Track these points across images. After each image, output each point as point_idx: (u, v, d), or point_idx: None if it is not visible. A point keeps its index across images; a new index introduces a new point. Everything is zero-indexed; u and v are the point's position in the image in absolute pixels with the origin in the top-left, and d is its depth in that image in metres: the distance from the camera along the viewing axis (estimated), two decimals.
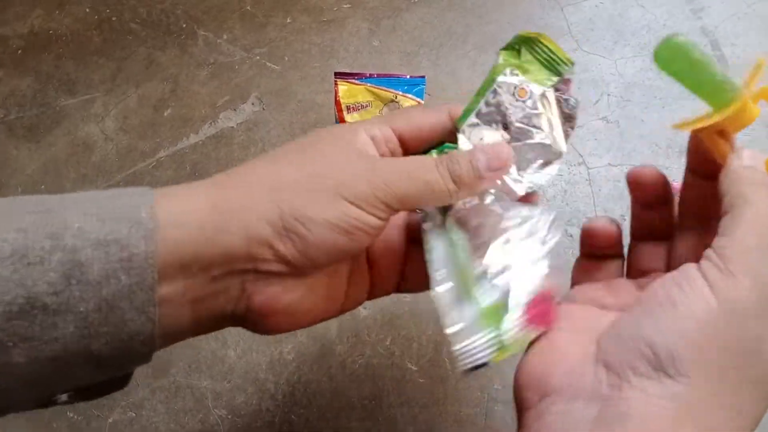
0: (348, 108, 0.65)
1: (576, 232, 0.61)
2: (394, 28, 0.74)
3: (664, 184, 0.36)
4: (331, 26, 0.75)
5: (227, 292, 0.31)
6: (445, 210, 0.37)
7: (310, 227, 0.31)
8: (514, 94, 0.37)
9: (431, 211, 0.37)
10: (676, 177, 0.63)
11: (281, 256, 0.31)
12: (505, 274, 0.31)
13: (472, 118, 0.37)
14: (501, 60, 0.38)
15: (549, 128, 0.38)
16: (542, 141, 0.37)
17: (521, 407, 0.29)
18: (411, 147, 0.38)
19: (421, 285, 0.38)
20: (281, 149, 0.35)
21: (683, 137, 0.64)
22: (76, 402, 0.32)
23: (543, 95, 0.38)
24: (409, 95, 0.64)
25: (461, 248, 0.34)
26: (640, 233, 0.36)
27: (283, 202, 0.31)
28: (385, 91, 0.65)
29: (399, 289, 0.41)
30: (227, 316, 0.32)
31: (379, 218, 0.33)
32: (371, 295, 0.40)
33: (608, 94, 0.67)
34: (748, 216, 0.27)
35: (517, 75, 0.38)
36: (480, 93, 0.38)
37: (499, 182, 0.37)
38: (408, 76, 0.66)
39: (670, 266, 0.34)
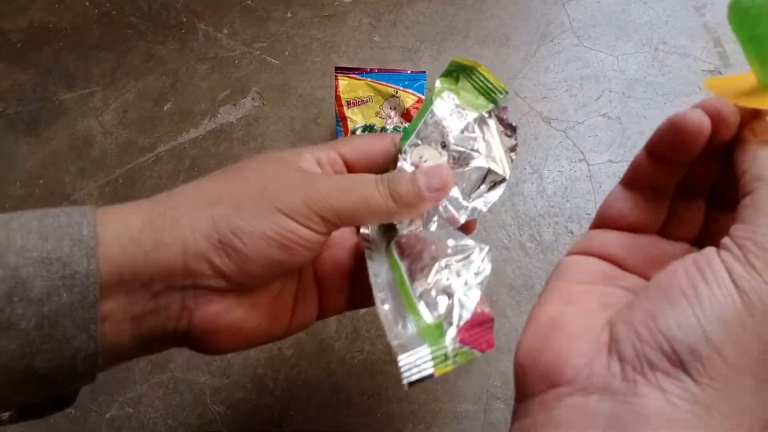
0: (348, 103, 0.65)
1: (576, 229, 0.61)
2: (395, 23, 0.74)
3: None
4: (332, 21, 0.75)
5: (168, 309, 0.31)
6: (388, 236, 0.38)
7: (245, 240, 0.31)
8: (452, 115, 0.39)
9: (374, 237, 0.38)
10: None
11: (219, 270, 0.31)
12: (445, 296, 0.32)
13: (413, 138, 0.39)
14: (439, 85, 0.40)
15: (489, 152, 0.39)
16: (482, 165, 0.39)
17: (524, 392, 0.27)
18: (353, 171, 0.39)
19: (372, 303, 0.37)
20: (222, 169, 0.35)
21: None
22: (19, 421, 0.31)
23: (480, 119, 0.39)
24: (410, 90, 0.64)
25: (403, 271, 0.34)
26: (682, 188, 0.32)
27: (218, 215, 0.31)
28: (386, 86, 0.64)
29: (350, 308, 0.41)
30: (170, 334, 0.32)
31: (316, 232, 0.33)
32: (321, 315, 0.40)
33: (610, 91, 0.67)
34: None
35: (454, 99, 0.40)
36: (420, 115, 0.39)
37: (441, 209, 0.38)
38: (409, 71, 0.65)
39: (702, 239, 0.32)
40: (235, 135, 0.70)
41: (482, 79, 0.40)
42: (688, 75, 0.67)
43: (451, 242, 0.35)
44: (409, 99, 0.64)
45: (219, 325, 0.32)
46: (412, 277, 0.34)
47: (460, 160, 0.39)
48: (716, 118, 0.28)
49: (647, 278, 0.30)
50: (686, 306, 0.23)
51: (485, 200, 0.39)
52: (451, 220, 0.38)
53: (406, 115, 0.64)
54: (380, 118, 0.64)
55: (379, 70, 0.65)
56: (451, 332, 0.30)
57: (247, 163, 0.35)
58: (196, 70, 0.74)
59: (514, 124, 0.39)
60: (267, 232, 0.31)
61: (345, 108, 0.65)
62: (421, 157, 0.38)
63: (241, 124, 0.70)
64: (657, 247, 0.31)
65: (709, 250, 0.25)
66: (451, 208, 0.38)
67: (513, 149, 0.39)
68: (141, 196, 0.66)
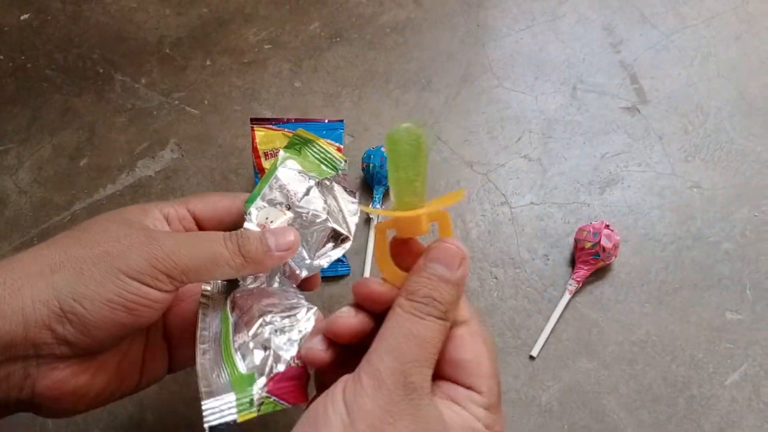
0: (266, 154, 0.63)
1: (501, 274, 0.60)
2: (316, 68, 0.73)
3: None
4: (252, 67, 0.74)
5: (9, 379, 0.30)
6: (229, 291, 0.39)
7: (87, 306, 0.30)
8: (295, 180, 0.42)
9: (214, 292, 0.39)
10: (597, 214, 0.62)
11: (62, 338, 0.30)
12: (262, 349, 0.33)
13: (259, 201, 0.41)
14: (282, 154, 0.44)
15: (332, 213, 0.42)
16: (325, 225, 0.41)
17: None
18: (203, 228, 0.39)
19: None
20: (65, 232, 0.34)
21: (605, 174, 0.65)
22: None
23: (323, 184, 0.43)
24: (328, 140, 0.63)
25: (230, 324, 0.36)
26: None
27: (59, 283, 0.30)
28: None
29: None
30: (12, 403, 0.31)
31: (162, 291, 0.32)
32: (172, 369, 0.40)
33: (530, 132, 0.67)
34: (386, 335, 0.29)
35: (297, 166, 0.43)
36: (264, 180, 0.42)
37: (284, 266, 0.40)
38: (326, 120, 0.64)
39: None
40: (154, 189, 0.68)
41: (322, 150, 0.44)
42: (606, 113, 0.67)
43: (282, 299, 0.37)
44: (329, 149, 0.63)
45: (63, 391, 0.31)
46: (236, 330, 0.35)
47: (305, 221, 0.41)
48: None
49: None
50: (321, 427, 0.27)
51: (329, 257, 0.41)
52: (292, 276, 0.40)
53: None
54: None
55: (296, 120, 0.64)
56: (260, 382, 0.32)
57: (89, 224, 0.35)
58: (114, 122, 0.72)
59: (354, 190, 0.43)
60: (110, 296, 0.31)
61: (263, 159, 0.63)
62: (267, 218, 0.40)
63: (160, 178, 0.68)
64: None
65: (345, 377, 0.29)
66: (293, 264, 0.40)
67: (354, 213, 0.43)
68: None
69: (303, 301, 0.37)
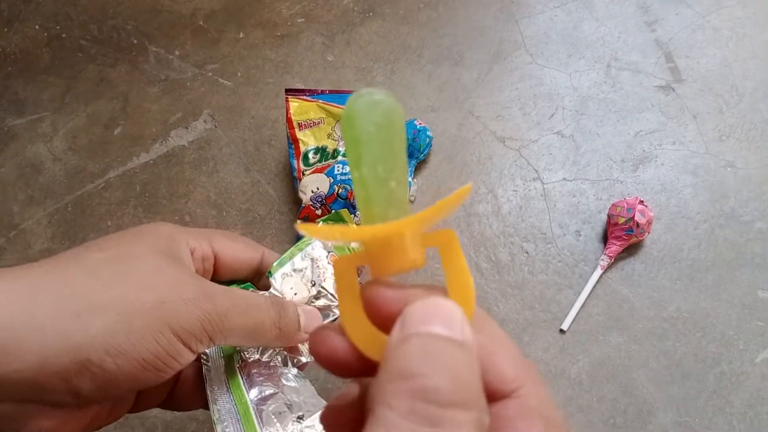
0: (300, 125, 0.64)
1: (532, 249, 0.60)
2: (349, 42, 0.73)
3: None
4: (285, 41, 0.74)
5: None
6: (227, 354, 0.37)
7: (119, 362, 0.26)
8: (327, 258, 0.40)
9: (212, 354, 0.37)
10: (630, 192, 0.62)
11: (74, 390, 0.26)
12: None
13: (287, 268, 0.39)
14: (321, 225, 0.42)
15: None
16: (335, 313, 0.39)
17: None
18: (218, 272, 0.36)
19: (189, 405, 0.35)
20: (96, 249, 0.29)
21: (638, 152, 0.64)
22: None
23: None
24: None
25: (250, 404, 0.34)
26: None
27: (94, 328, 0.25)
28: (338, 107, 0.64)
29: (164, 405, 0.36)
30: None
31: (195, 352, 0.29)
32: (134, 410, 0.35)
33: (563, 108, 0.67)
34: None
35: (330, 244, 0.41)
36: (298, 247, 0.40)
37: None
38: None
39: None
40: (187, 159, 0.68)
41: None
42: (640, 91, 0.67)
43: (303, 393, 0.35)
44: None
45: None
46: (261, 416, 0.33)
47: (323, 305, 0.40)
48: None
49: None
50: None
51: None
52: (295, 357, 0.39)
53: None
54: (332, 139, 0.63)
55: (330, 92, 0.64)
56: None
57: (131, 247, 0.30)
58: (147, 92, 0.73)
59: None
60: (147, 354, 0.26)
61: (296, 130, 0.64)
62: (291, 288, 0.38)
63: (193, 148, 0.69)
64: None
65: None
66: (301, 345, 0.39)
67: None
68: (90, 225, 0.65)
69: (322, 401, 0.36)
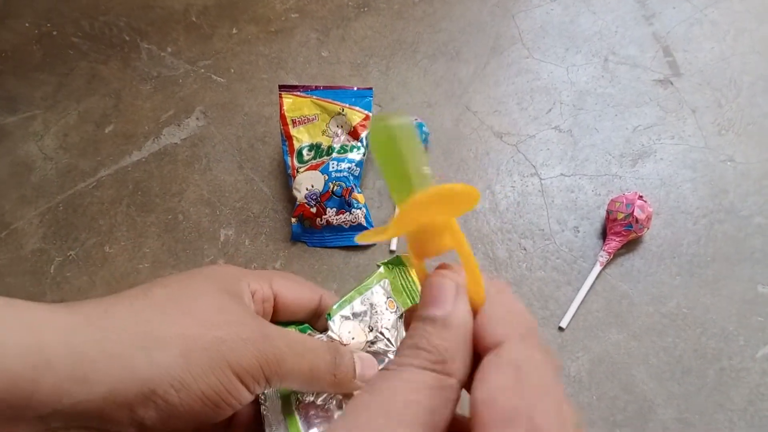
0: (294, 121, 0.63)
1: (530, 245, 0.59)
2: (343, 37, 0.72)
3: None
4: (279, 36, 0.73)
5: None
6: (284, 396, 0.37)
7: (182, 396, 0.26)
8: (386, 303, 0.40)
9: (271, 395, 0.37)
10: (629, 187, 0.62)
11: (138, 422, 0.26)
12: None
13: (346, 311, 0.39)
14: (382, 270, 0.42)
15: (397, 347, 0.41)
16: (390, 358, 0.39)
17: None
18: (278, 313, 0.37)
19: None
20: (162, 285, 0.30)
21: (637, 146, 0.64)
22: None
23: (402, 316, 0.40)
24: (357, 108, 0.62)
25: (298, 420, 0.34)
26: None
27: (159, 360, 0.26)
28: (332, 103, 0.63)
29: None
30: None
31: (253, 393, 0.29)
32: None
33: (560, 103, 0.66)
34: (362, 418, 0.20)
35: (388, 288, 0.41)
36: (358, 290, 0.40)
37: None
38: (355, 88, 0.64)
39: None
40: (180, 157, 0.67)
41: (410, 281, 0.42)
42: (638, 85, 0.66)
43: None
44: (355, 116, 0.62)
45: None
46: None
47: (378, 350, 0.39)
48: None
49: None
50: None
51: None
52: (349, 396, 0.38)
53: (353, 133, 0.62)
54: (327, 136, 0.63)
55: (325, 87, 0.64)
56: None
57: (193, 285, 0.31)
58: (140, 90, 0.72)
59: None
60: (209, 390, 0.27)
61: (290, 127, 0.63)
62: (349, 332, 0.38)
63: (186, 145, 0.68)
64: None
65: None
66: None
67: None
68: (83, 224, 0.64)
69: None
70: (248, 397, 0.29)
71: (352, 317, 0.39)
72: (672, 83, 0.66)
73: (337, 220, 0.60)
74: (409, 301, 0.42)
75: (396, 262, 0.43)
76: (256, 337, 0.29)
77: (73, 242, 0.63)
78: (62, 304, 0.26)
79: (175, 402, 0.26)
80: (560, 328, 0.56)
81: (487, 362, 0.20)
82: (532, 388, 0.19)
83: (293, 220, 0.61)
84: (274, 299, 0.36)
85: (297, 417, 0.35)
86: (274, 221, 0.63)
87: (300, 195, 0.60)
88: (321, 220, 0.60)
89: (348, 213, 0.59)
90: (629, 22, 0.70)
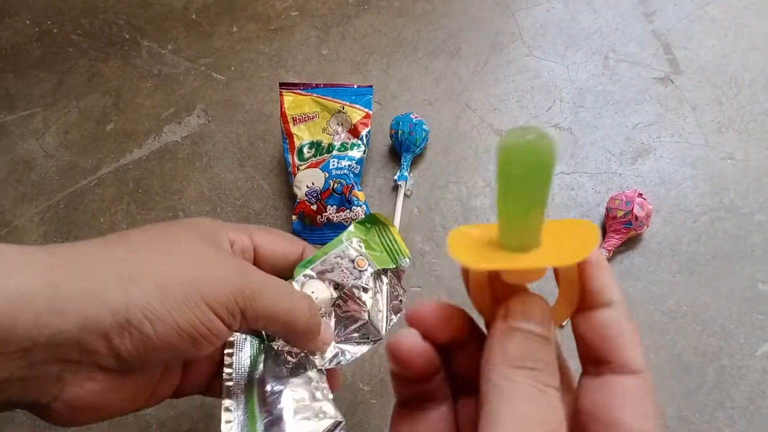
0: (294, 119, 0.63)
1: None
2: (344, 35, 0.72)
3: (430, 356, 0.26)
4: (279, 34, 0.73)
5: (40, 380, 0.27)
6: (249, 377, 0.37)
7: (157, 328, 0.27)
8: (353, 261, 0.40)
9: (237, 376, 0.37)
10: (629, 184, 0.62)
11: (115, 351, 0.27)
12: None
13: (309, 270, 0.39)
14: (352, 229, 0.42)
15: (374, 307, 0.40)
16: (364, 318, 0.40)
17: None
18: (258, 265, 0.37)
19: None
20: (139, 232, 0.31)
21: (637, 144, 0.64)
22: None
23: (377, 274, 0.41)
24: (357, 105, 0.62)
25: (256, 399, 0.35)
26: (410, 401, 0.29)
27: (134, 292, 0.27)
28: (332, 101, 0.63)
29: (208, 392, 0.39)
30: (23, 403, 0.28)
31: (230, 328, 0.30)
32: (176, 395, 0.37)
33: (561, 101, 0.66)
34: (503, 419, 0.21)
35: (361, 247, 0.41)
36: (324, 251, 0.40)
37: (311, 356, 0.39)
38: (356, 86, 0.64)
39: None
40: (180, 155, 0.67)
41: (392, 239, 0.42)
42: (638, 83, 0.66)
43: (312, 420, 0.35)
44: (356, 114, 0.62)
45: (87, 403, 0.29)
46: (261, 405, 0.34)
47: (347, 305, 0.40)
48: (430, 327, 0.26)
49: None
50: None
51: (352, 353, 0.39)
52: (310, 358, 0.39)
53: (353, 131, 0.62)
54: (327, 134, 0.63)
55: (325, 85, 0.64)
56: None
57: (166, 228, 0.32)
58: (140, 88, 0.72)
59: (404, 289, 0.41)
60: (183, 323, 0.28)
61: (291, 125, 0.63)
62: (312, 292, 0.39)
63: (187, 143, 0.68)
64: None
65: None
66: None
67: (397, 311, 0.40)
68: (83, 221, 0.64)
69: (330, 410, 0.36)
70: (224, 331, 0.30)
71: (316, 276, 0.39)
72: (672, 81, 0.66)
73: (337, 217, 0.60)
74: (389, 259, 0.41)
75: (371, 221, 0.42)
76: (230, 273, 0.30)
77: (73, 240, 0.63)
78: (38, 246, 0.27)
79: (149, 333, 0.27)
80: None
81: (623, 386, 0.23)
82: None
83: (294, 217, 0.61)
84: (255, 251, 0.37)
85: (255, 399, 0.36)
86: (275, 218, 0.63)
87: (300, 192, 0.60)
88: (321, 218, 0.60)
89: (348, 210, 0.60)
90: (629, 19, 0.70)
